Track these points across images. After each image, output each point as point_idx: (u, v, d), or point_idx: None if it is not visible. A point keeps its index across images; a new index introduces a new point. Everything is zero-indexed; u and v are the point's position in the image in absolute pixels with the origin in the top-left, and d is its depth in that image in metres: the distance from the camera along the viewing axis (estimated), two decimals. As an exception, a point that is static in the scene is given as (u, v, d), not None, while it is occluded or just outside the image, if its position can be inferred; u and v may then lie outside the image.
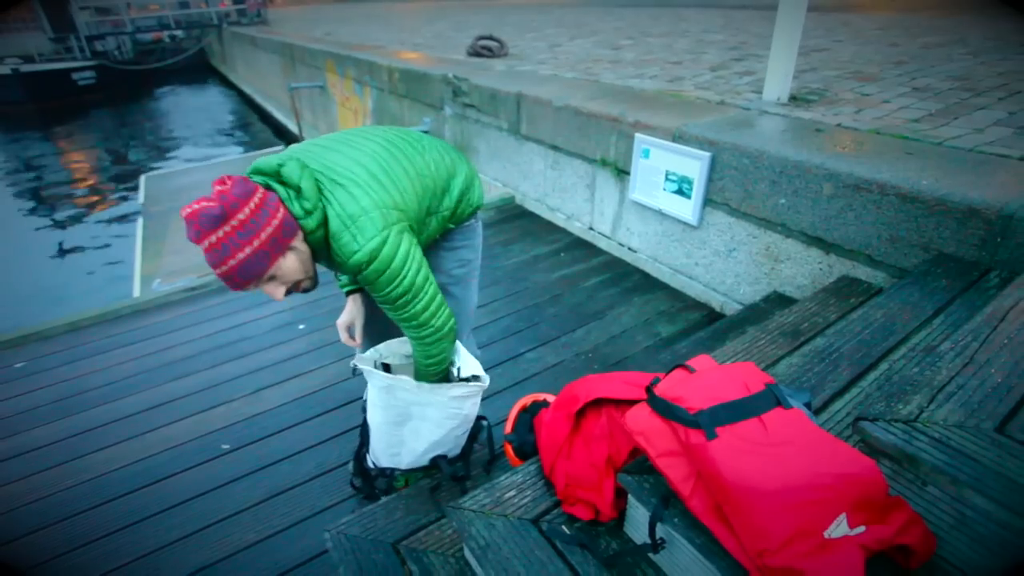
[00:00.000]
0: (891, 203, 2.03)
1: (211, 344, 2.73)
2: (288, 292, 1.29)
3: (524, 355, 2.53)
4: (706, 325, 2.72)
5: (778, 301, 2.45)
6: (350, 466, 1.85)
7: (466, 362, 1.45)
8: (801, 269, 2.43)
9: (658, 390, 1.08)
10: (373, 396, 1.41)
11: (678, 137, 2.75)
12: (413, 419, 1.41)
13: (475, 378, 1.42)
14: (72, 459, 2.11)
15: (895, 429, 0.96)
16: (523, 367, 2.45)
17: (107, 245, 7.08)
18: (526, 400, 1.64)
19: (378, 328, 1.70)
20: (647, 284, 3.05)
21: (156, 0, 22.90)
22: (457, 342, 1.49)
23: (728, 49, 5.33)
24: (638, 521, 1.16)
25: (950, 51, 4.41)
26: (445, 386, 1.33)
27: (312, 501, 1.86)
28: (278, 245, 1.17)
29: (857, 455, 0.92)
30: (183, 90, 19.44)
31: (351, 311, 1.65)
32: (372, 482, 1.67)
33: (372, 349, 1.49)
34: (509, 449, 1.53)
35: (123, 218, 7.75)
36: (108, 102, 17.68)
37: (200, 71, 21.64)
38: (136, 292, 4.56)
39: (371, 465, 1.56)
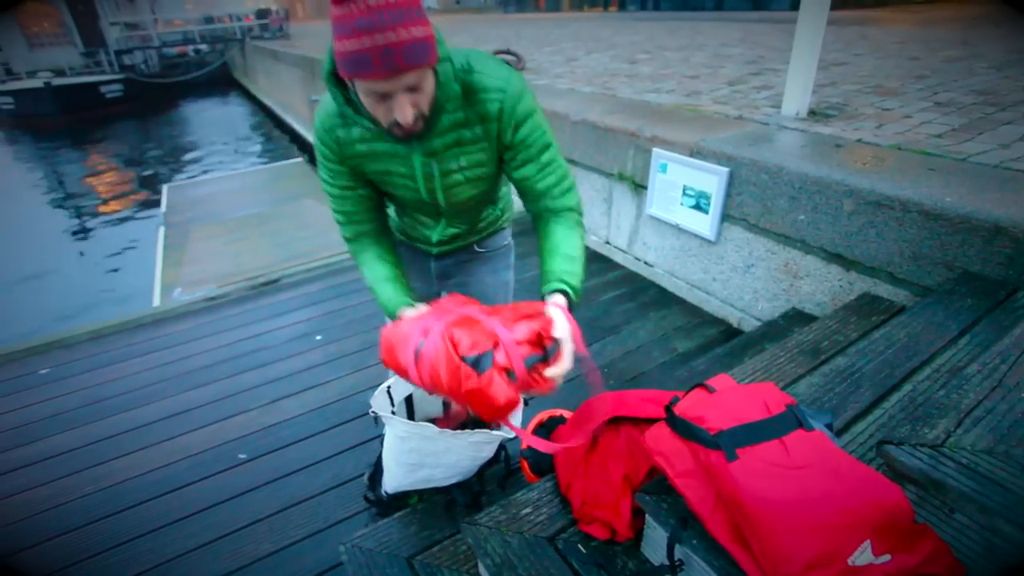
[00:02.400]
0: (914, 220, 2.01)
1: (230, 354, 2.76)
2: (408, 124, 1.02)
3: (539, 369, 2.51)
4: (723, 341, 2.69)
5: (797, 318, 2.42)
6: (365, 479, 1.85)
7: None
8: (821, 286, 2.40)
9: (678, 410, 1.07)
10: (390, 441, 1.40)
11: (696, 152, 2.74)
12: (427, 466, 1.40)
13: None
14: (92, 466, 2.14)
15: (921, 454, 0.94)
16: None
17: (129, 253, 7.23)
18: (543, 416, 1.63)
19: None
20: (663, 299, 3.04)
21: (182, 16, 23.58)
22: None
23: (746, 63, 5.33)
24: (656, 542, 1.15)
25: (972, 64, 4.37)
26: (465, 434, 1.30)
27: (327, 513, 1.87)
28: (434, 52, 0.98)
29: (881, 479, 0.90)
30: (206, 102, 19.89)
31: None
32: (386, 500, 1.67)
33: (390, 381, 1.44)
34: (525, 465, 1.53)
35: (145, 227, 7.91)
36: (134, 114, 18.15)
37: (222, 84, 22.15)
38: (156, 301, 4.63)
39: (384, 494, 1.56)
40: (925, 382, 1.41)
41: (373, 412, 1.31)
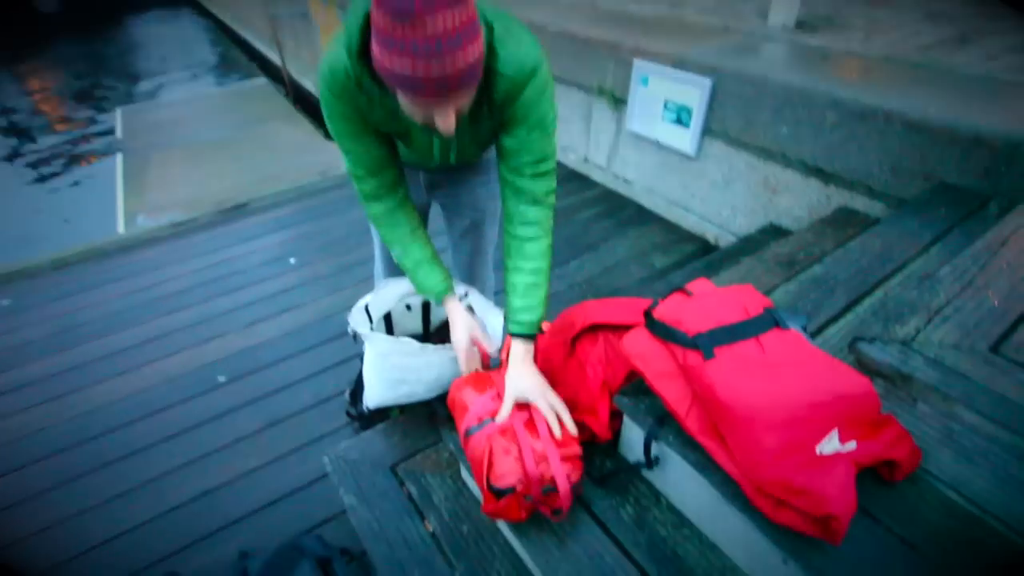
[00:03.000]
0: (896, 132, 1.98)
1: (201, 279, 2.70)
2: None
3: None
4: (700, 257, 2.71)
5: (774, 232, 2.43)
6: (346, 396, 1.87)
7: (488, 311, 1.43)
8: (799, 200, 2.40)
9: (656, 314, 1.07)
10: (370, 357, 1.38)
11: (679, 63, 2.64)
12: (409, 382, 1.40)
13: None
14: (68, 392, 2.12)
15: (891, 349, 0.96)
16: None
17: (85, 182, 6.87)
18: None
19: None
20: (642, 217, 3.02)
21: (120, -84, 21.27)
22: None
23: (733, -29, 5.05)
24: (633, 441, 1.19)
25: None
26: (447, 348, 1.30)
27: (310, 429, 1.90)
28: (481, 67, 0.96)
29: (853, 374, 0.93)
30: (155, 18, 18.35)
31: (464, 320, 1.31)
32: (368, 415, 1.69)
33: (367, 299, 1.42)
34: (504, 376, 1.54)
35: (101, 154, 7.49)
36: (75, 31, 16.70)
37: (173, -3, 20.35)
38: (120, 229, 4.46)
39: (365, 410, 1.57)
40: (897, 287, 1.44)
41: (352, 329, 1.29)
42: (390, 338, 1.26)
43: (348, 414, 1.87)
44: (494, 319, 1.42)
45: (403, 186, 1.29)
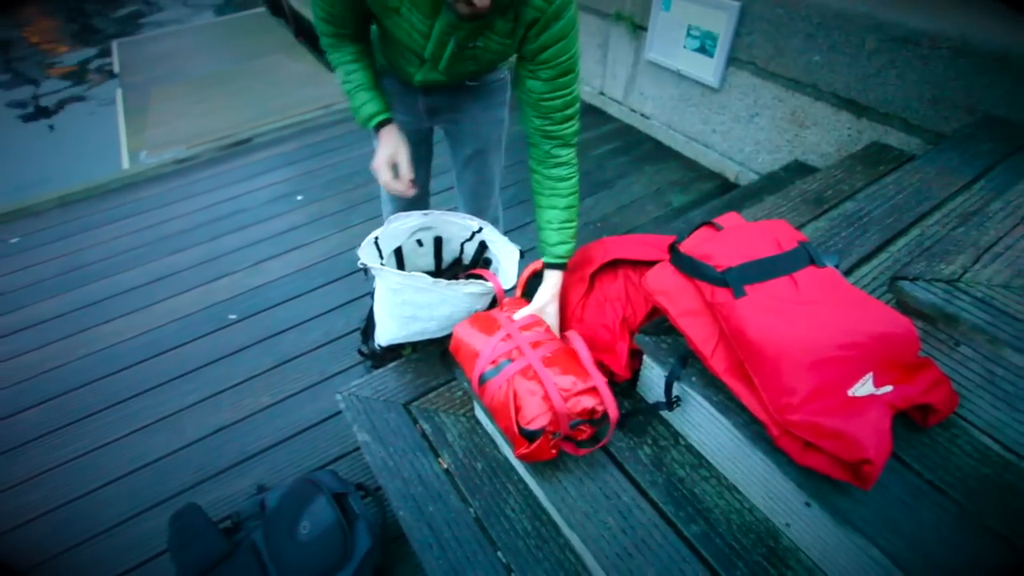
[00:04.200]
0: (941, 58, 1.83)
1: (207, 217, 2.64)
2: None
3: (530, 224, 2.44)
4: (720, 195, 2.61)
5: (799, 170, 2.32)
6: (358, 333, 1.85)
7: (502, 247, 1.38)
8: (827, 135, 2.27)
9: (683, 248, 1.01)
10: (382, 293, 1.33)
11: (705, -17, 2.44)
12: (421, 319, 1.35)
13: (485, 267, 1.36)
14: (80, 331, 2.11)
15: (936, 288, 0.90)
16: (530, 236, 2.34)
17: (85, 120, 6.70)
18: (536, 265, 1.58)
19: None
20: (659, 153, 2.89)
21: None
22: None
23: None
24: (652, 381, 1.16)
25: None
26: (460, 284, 1.25)
27: (322, 367, 1.89)
28: None
29: (894, 314, 0.88)
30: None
31: (391, 141, 1.25)
32: (380, 353, 1.67)
33: (377, 233, 1.35)
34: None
35: (100, 90, 7.28)
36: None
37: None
38: (125, 167, 4.37)
39: (377, 347, 1.54)
40: (934, 226, 1.36)
41: (362, 264, 1.24)
42: (401, 272, 1.21)
43: (360, 352, 1.85)
44: (509, 255, 1.37)
45: (363, 43, 1.26)
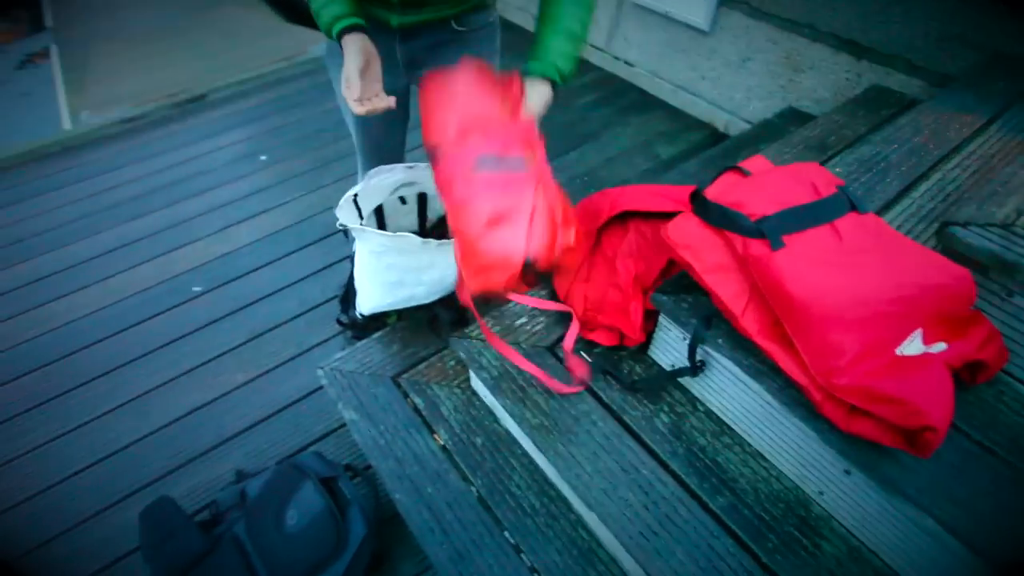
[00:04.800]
0: (951, -11, 1.73)
1: (163, 180, 2.42)
2: None
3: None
4: (710, 146, 2.50)
5: (793, 117, 2.21)
6: (337, 301, 1.71)
7: None
8: (824, 80, 2.16)
9: (709, 195, 0.90)
10: (363, 258, 1.18)
11: (696, -86, 2.26)
12: (408, 284, 1.22)
13: None
14: (30, 309, 1.92)
15: (991, 234, 0.82)
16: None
17: (16, 80, 6.17)
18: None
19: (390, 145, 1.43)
20: (645, 102, 2.76)
21: None
22: None
23: None
24: (668, 344, 1.06)
25: None
26: (450, 244, 1.10)
27: (299, 339, 1.76)
28: None
29: (948, 264, 0.79)
30: None
31: (358, 51, 0.96)
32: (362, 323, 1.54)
33: (356, 189, 1.20)
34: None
35: (31, 46, 6.69)
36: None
37: None
38: (67, 128, 4.03)
39: (359, 316, 1.41)
40: (955, 169, 1.27)
41: (341, 225, 1.10)
42: (385, 234, 1.08)
43: (339, 322, 1.72)
44: None
45: None
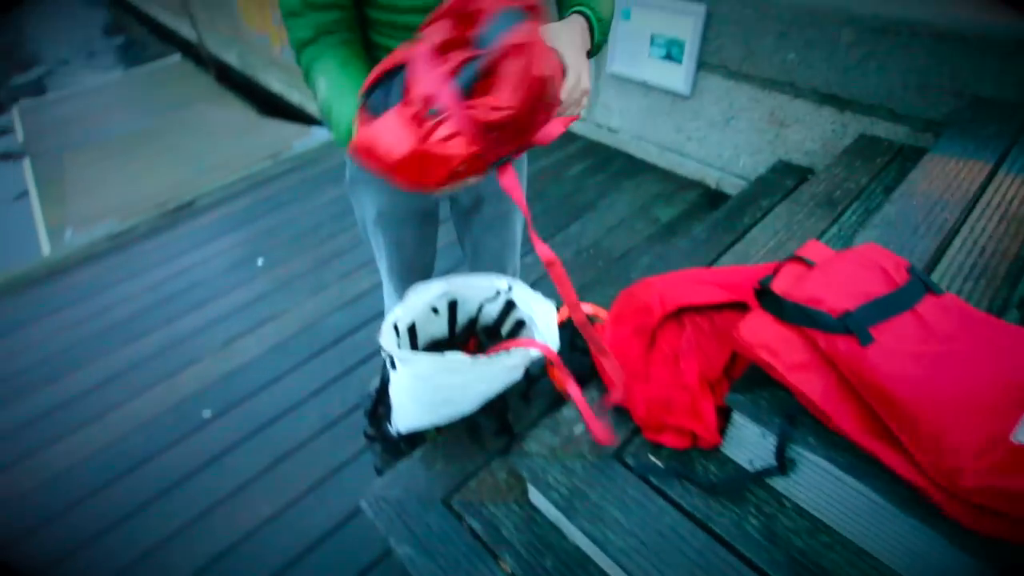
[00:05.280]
0: (923, 45, 1.81)
1: (158, 297, 2.34)
2: None
3: (521, 260, 2.29)
4: (706, 204, 2.54)
5: (787, 171, 2.26)
6: (364, 414, 1.62)
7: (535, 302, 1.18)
8: (811, 132, 2.23)
9: (779, 290, 0.87)
10: (406, 381, 1.12)
11: (664, -9, 2.38)
12: (454, 402, 1.16)
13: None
14: (22, 457, 1.78)
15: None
16: (522, 275, 2.21)
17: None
18: (561, 314, 1.42)
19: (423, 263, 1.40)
20: (633, 167, 2.81)
21: None
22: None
23: None
24: (745, 442, 1.01)
25: None
26: (501, 357, 1.05)
27: (325, 459, 1.65)
28: None
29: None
30: (39, 3, 16.40)
31: None
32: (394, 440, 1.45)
33: (397, 315, 1.14)
34: (558, 374, 1.33)
35: (2, 163, 6.65)
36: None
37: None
38: (45, 248, 3.93)
39: (394, 434, 1.33)
40: (981, 220, 1.29)
41: (386, 353, 1.04)
42: (434, 357, 1.02)
43: (367, 435, 1.62)
44: (544, 313, 1.20)
45: (354, 35, 0.89)
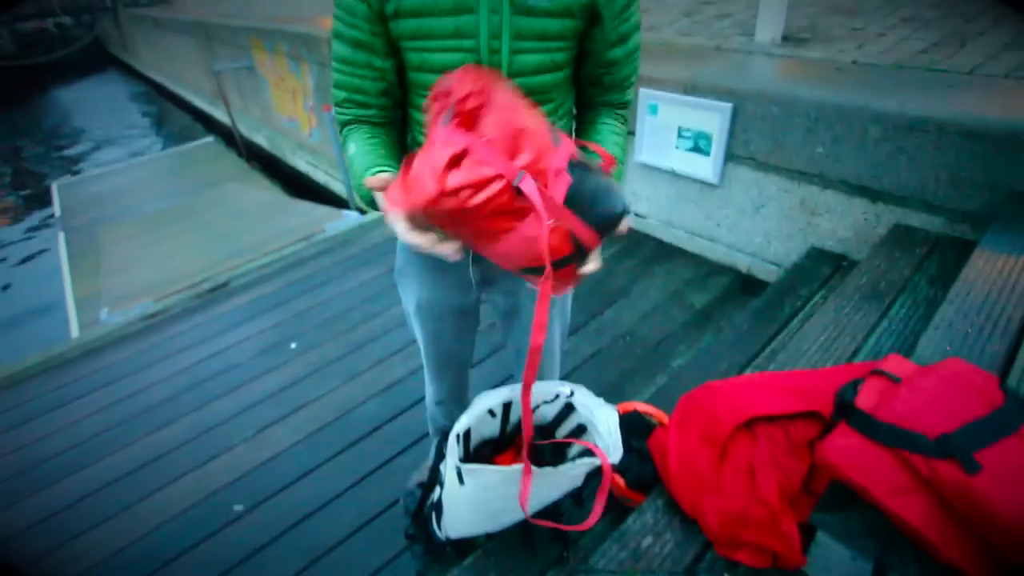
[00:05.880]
0: (952, 142, 1.87)
1: (190, 380, 2.33)
2: None
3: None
4: (738, 290, 2.54)
5: (822, 258, 2.28)
6: (404, 513, 1.56)
7: (597, 408, 1.15)
8: (843, 221, 2.26)
9: (867, 408, 0.85)
10: (470, 492, 1.08)
11: (691, 89, 2.50)
12: (512, 510, 1.12)
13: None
14: (49, 551, 1.71)
15: None
16: (561, 362, 2.19)
17: (24, 272, 6.25)
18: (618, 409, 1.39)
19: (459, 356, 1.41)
20: (663, 252, 2.84)
21: (32, -14, 20.60)
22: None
23: (688, -9, 5.09)
24: (834, 565, 0.94)
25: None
26: (567, 466, 1.03)
27: (362, 561, 1.57)
28: None
29: None
30: (82, 84, 17.58)
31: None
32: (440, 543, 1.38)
33: (464, 425, 1.11)
34: (619, 481, 1.29)
35: (37, 237, 6.88)
36: (-5, 107, 15.76)
37: (98, 61, 19.59)
38: (73, 321, 3.99)
39: (442, 539, 1.27)
40: (1046, 319, 1.27)
41: (456, 465, 1.01)
42: (504, 470, 0.99)
43: (408, 536, 1.55)
44: (606, 418, 1.17)
45: (380, 126, 0.98)
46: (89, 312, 3.76)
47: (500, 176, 0.67)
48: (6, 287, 6.08)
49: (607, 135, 1.01)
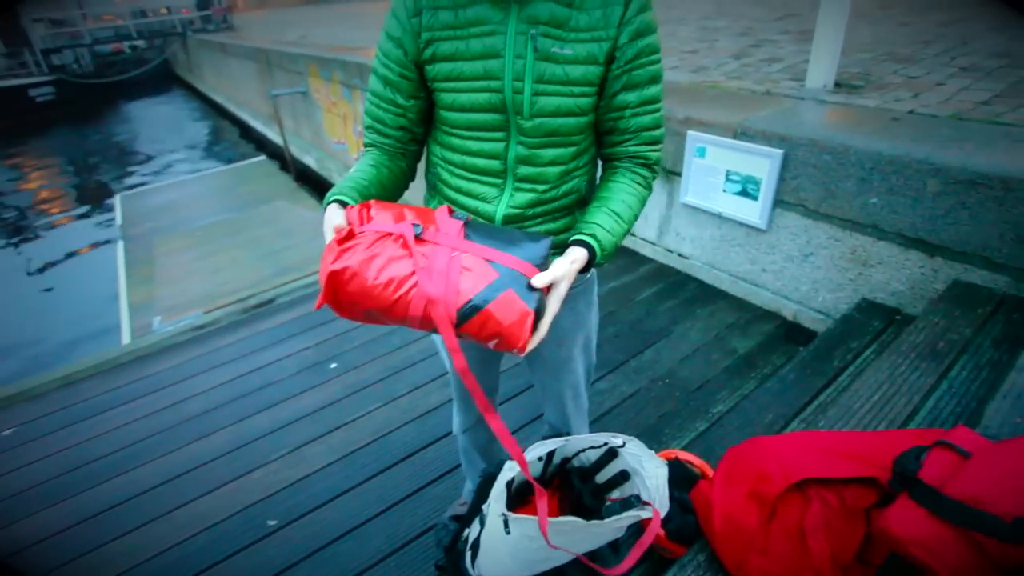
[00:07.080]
0: (1018, 199, 1.80)
1: (232, 393, 2.39)
2: None
3: (594, 385, 2.25)
4: (783, 337, 2.48)
5: (873, 311, 2.21)
6: (437, 545, 1.55)
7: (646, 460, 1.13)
8: (897, 274, 2.19)
9: (932, 482, 0.81)
10: (515, 541, 1.07)
11: (740, 133, 2.49)
12: (554, 559, 1.11)
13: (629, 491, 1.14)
14: (88, 551, 1.77)
15: None
16: (597, 400, 2.17)
17: (84, 276, 6.58)
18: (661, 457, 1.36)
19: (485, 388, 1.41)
20: (706, 294, 2.80)
21: (112, 10, 22.12)
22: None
23: (738, 35, 5.11)
24: (890, 644, 0.90)
25: (969, 27, 4.24)
26: (612, 520, 1.01)
27: (390, 588, 1.57)
28: None
29: None
30: (149, 102, 18.70)
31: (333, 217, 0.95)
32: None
33: (511, 474, 1.12)
34: (661, 532, 1.25)
35: (99, 244, 7.24)
36: (69, 119, 16.87)
37: (165, 81, 20.86)
38: (125, 326, 4.15)
39: None
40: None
41: (503, 515, 1.01)
42: (551, 522, 0.97)
43: (438, 567, 1.54)
44: (655, 471, 1.15)
45: (394, 160, 1.08)
46: (141, 318, 3.92)
47: (389, 233, 0.84)
48: (66, 294, 6.38)
49: (616, 192, 1.00)
